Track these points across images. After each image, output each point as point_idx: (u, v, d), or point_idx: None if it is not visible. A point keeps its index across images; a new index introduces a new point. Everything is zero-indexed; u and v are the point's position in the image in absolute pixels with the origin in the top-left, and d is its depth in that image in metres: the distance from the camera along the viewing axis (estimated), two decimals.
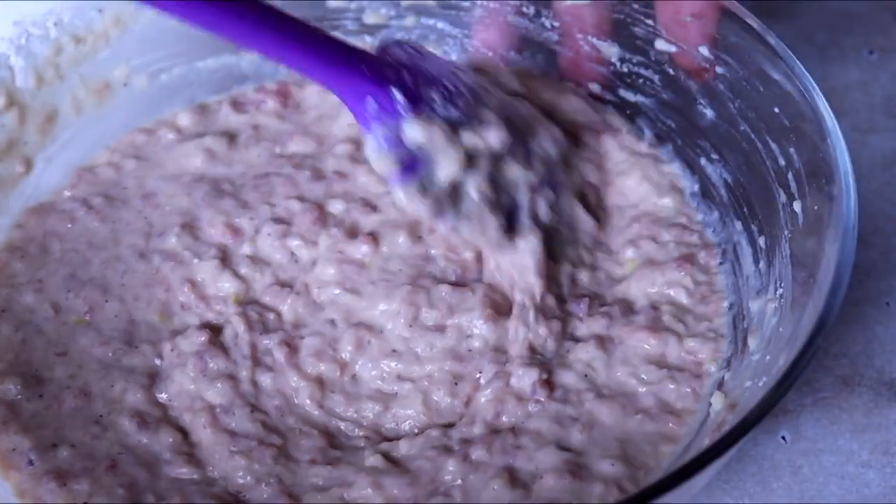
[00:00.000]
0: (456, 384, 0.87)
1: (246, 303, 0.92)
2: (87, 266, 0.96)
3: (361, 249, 0.94)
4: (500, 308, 0.90)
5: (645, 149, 1.01)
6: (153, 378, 0.88)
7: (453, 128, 0.87)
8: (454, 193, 0.88)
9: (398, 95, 0.85)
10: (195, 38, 1.07)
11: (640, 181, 0.99)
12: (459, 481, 0.80)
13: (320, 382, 0.87)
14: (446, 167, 0.86)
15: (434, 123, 0.86)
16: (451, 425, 0.85)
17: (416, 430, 0.85)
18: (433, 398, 0.86)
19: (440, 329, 0.89)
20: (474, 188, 0.88)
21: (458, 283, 0.92)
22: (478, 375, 0.87)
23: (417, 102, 0.85)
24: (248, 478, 0.82)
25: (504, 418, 0.84)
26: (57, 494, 0.81)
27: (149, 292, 0.94)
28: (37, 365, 0.90)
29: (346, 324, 0.90)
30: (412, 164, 0.86)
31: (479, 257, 0.94)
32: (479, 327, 0.89)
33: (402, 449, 0.83)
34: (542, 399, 0.85)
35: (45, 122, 1.03)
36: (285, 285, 0.93)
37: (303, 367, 0.88)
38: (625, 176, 1.00)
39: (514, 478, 0.80)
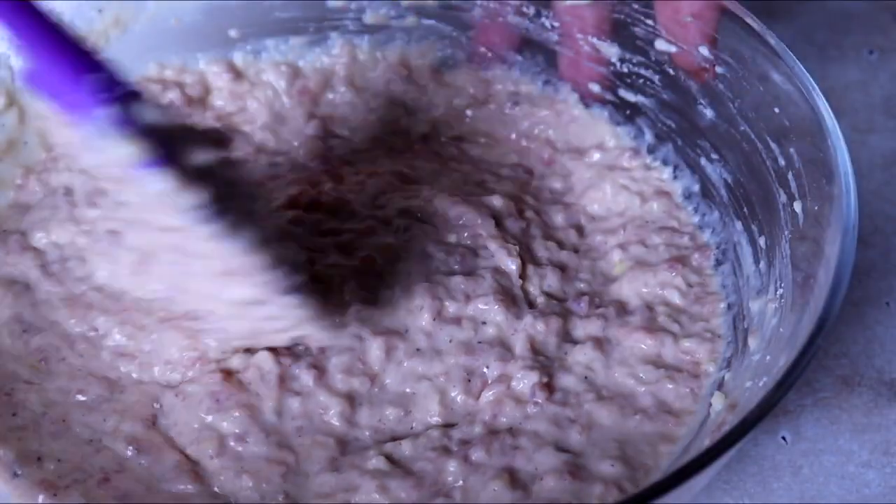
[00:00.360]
0: (469, 381, 0.86)
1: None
2: (34, 310, 0.90)
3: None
4: (508, 291, 0.91)
5: (626, 161, 1.02)
6: (154, 416, 0.84)
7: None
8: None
9: (118, 74, 0.74)
10: (195, 39, 1.08)
11: (616, 190, 1.00)
12: (460, 482, 0.80)
13: (350, 398, 0.85)
14: (205, 151, 0.76)
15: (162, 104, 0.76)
16: (451, 425, 0.85)
17: (421, 429, 0.85)
18: (450, 395, 0.86)
19: (457, 321, 0.89)
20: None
21: (467, 273, 0.92)
22: (485, 370, 0.87)
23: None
24: (256, 495, 0.80)
25: (502, 419, 0.84)
26: (51, 498, 0.79)
27: (114, 365, 0.87)
28: (7, 383, 0.86)
29: (373, 334, 0.88)
30: (165, 151, 0.73)
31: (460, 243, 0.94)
32: (494, 312, 0.89)
33: (405, 450, 0.83)
34: (541, 401, 0.85)
35: (45, 122, 1.03)
36: None
37: (333, 385, 0.86)
38: (594, 188, 1.01)
39: (514, 479, 0.80)
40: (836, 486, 0.89)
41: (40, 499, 0.79)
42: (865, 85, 1.20)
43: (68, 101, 0.72)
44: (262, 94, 1.09)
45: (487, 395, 0.85)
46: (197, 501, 0.80)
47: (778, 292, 0.85)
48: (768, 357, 0.80)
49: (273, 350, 0.86)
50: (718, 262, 0.95)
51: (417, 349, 0.88)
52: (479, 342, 0.88)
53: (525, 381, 0.85)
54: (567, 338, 0.90)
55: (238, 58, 1.10)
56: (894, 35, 1.25)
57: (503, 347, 0.88)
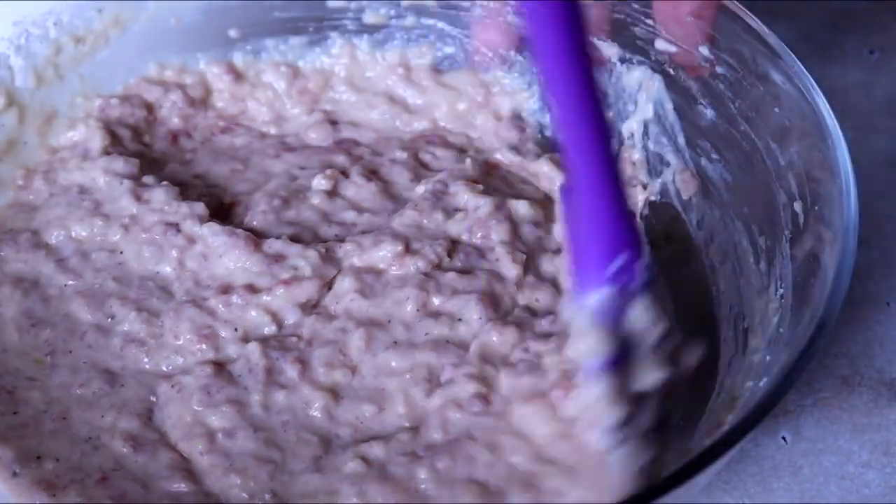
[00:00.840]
0: (429, 380, 0.85)
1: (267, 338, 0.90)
2: (45, 304, 0.92)
3: (386, 258, 0.92)
4: (496, 296, 0.90)
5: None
6: (150, 410, 0.86)
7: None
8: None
9: (641, 266, 0.69)
10: (194, 39, 1.08)
11: None
12: (432, 487, 0.79)
13: (333, 392, 0.86)
14: (651, 375, 0.72)
15: (655, 311, 0.71)
16: (415, 428, 0.83)
17: (392, 431, 0.84)
18: (411, 394, 0.84)
19: (437, 315, 0.88)
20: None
21: (464, 270, 0.92)
22: (442, 371, 0.85)
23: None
24: (244, 494, 0.80)
25: (451, 426, 0.82)
26: (50, 498, 0.79)
27: (121, 354, 0.89)
28: (10, 380, 0.87)
29: (356, 326, 0.89)
30: (616, 356, 0.70)
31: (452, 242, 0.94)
32: (471, 310, 0.88)
33: (378, 453, 0.82)
34: (478, 411, 0.82)
35: (45, 122, 1.03)
36: (304, 307, 0.91)
37: (317, 378, 0.86)
38: None
39: (485, 489, 0.78)
40: (836, 486, 0.89)
41: (38, 499, 0.79)
42: (866, 85, 1.20)
43: (592, 267, 0.69)
44: (263, 95, 1.09)
45: (434, 399, 0.84)
46: (190, 501, 0.80)
47: (778, 292, 0.85)
48: (768, 357, 0.80)
49: (263, 341, 0.88)
50: (719, 262, 0.95)
51: (395, 342, 0.87)
52: (448, 341, 0.87)
53: (467, 388, 0.83)
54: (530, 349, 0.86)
55: (238, 58, 1.10)
56: (895, 35, 1.25)
57: (460, 348, 0.87)
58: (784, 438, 0.92)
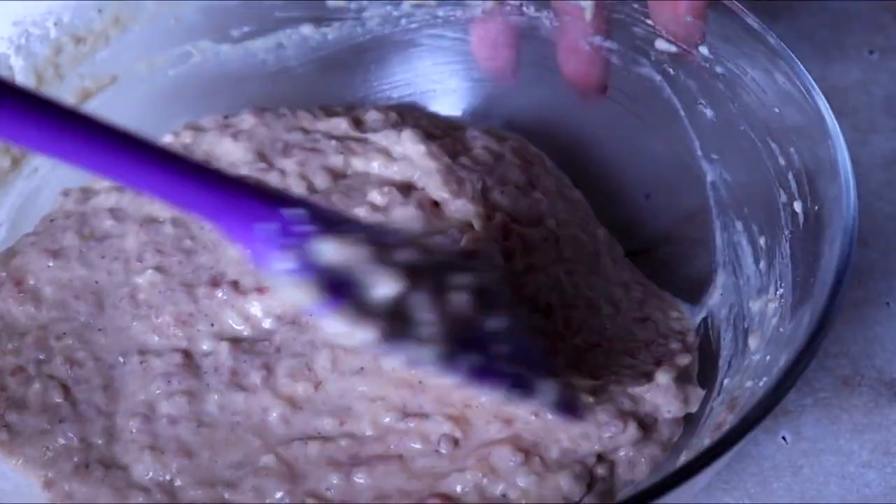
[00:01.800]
0: (402, 412, 0.82)
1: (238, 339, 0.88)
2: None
3: None
4: None
5: None
6: (112, 367, 0.86)
7: (380, 247, 0.71)
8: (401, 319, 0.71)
9: (299, 213, 0.69)
10: (195, 39, 1.08)
11: None
12: (336, 494, 0.79)
13: (293, 402, 0.83)
14: (383, 285, 0.70)
15: (351, 238, 0.70)
16: (353, 436, 0.81)
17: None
18: (380, 421, 0.82)
19: None
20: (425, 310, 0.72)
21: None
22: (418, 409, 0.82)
23: (328, 224, 0.70)
24: (149, 473, 0.81)
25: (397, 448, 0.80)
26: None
27: (119, 304, 0.90)
28: None
29: (323, 343, 0.85)
30: (337, 289, 0.69)
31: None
32: None
33: (297, 452, 0.81)
34: (446, 452, 0.80)
35: None
36: (280, 318, 0.88)
37: (278, 387, 0.84)
38: None
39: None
40: (836, 486, 0.89)
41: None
42: (866, 85, 1.20)
43: (247, 243, 0.69)
44: None
45: (401, 424, 0.81)
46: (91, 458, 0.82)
47: (778, 292, 0.85)
48: (768, 357, 0.80)
49: (235, 342, 0.87)
50: (719, 263, 0.95)
51: (361, 368, 0.84)
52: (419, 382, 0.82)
53: (444, 426, 0.81)
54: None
55: None
56: (895, 35, 1.25)
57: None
58: (784, 438, 0.92)
